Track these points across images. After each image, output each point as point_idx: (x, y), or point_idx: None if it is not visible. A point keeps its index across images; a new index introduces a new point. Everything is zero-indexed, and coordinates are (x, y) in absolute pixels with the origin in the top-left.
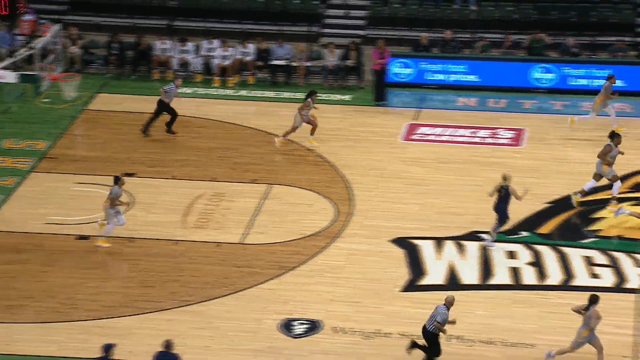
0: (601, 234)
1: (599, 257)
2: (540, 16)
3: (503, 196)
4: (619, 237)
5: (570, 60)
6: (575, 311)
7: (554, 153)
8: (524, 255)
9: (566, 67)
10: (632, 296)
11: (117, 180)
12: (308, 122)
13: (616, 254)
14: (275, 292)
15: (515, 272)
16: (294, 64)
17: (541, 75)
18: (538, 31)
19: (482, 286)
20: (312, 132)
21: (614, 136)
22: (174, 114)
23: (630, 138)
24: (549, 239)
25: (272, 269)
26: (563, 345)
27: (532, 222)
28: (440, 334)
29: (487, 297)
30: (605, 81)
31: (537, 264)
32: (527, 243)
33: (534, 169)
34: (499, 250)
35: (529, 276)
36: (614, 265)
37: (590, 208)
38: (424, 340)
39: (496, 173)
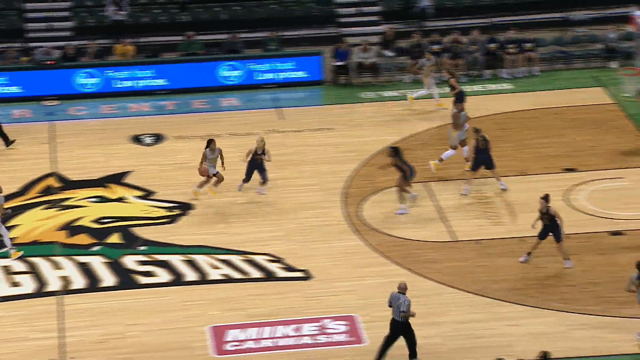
0: (17, 241)
1: (17, 265)
2: None
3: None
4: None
5: None
6: None
7: None
8: None
9: None
10: (53, 299)
11: None
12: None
13: (34, 260)
14: None
15: None
16: None
17: None
18: None
19: None
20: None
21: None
22: None
23: (32, 142)
24: None
25: None
26: None
27: None
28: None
29: None
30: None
31: None
32: None
33: None
34: None
35: None
36: (33, 271)
37: (7, 215)
38: (398, 334)
39: None
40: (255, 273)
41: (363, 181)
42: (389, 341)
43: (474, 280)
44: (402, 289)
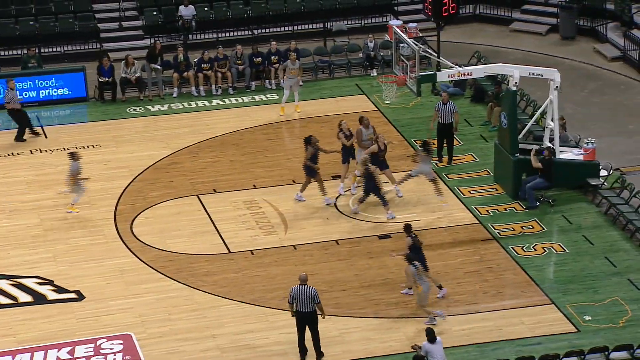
0: None
1: None
2: None
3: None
4: None
5: None
6: None
7: None
8: None
9: None
10: None
11: None
12: None
13: None
14: None
15: None
16: None
17: None
18: None
19: None
20: None
21: (362, 119)
22: None
23: None
24: None
25: None
26: None
27: None
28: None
29: None
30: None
31: None
32: None
33: None
34: None
35: None
36: None
37: None
38: (305, 324)
39: None
40: (24, 297)
41: (134, 197)
42: (301, 333)
43: (250, 291)
44: (304, 280)
